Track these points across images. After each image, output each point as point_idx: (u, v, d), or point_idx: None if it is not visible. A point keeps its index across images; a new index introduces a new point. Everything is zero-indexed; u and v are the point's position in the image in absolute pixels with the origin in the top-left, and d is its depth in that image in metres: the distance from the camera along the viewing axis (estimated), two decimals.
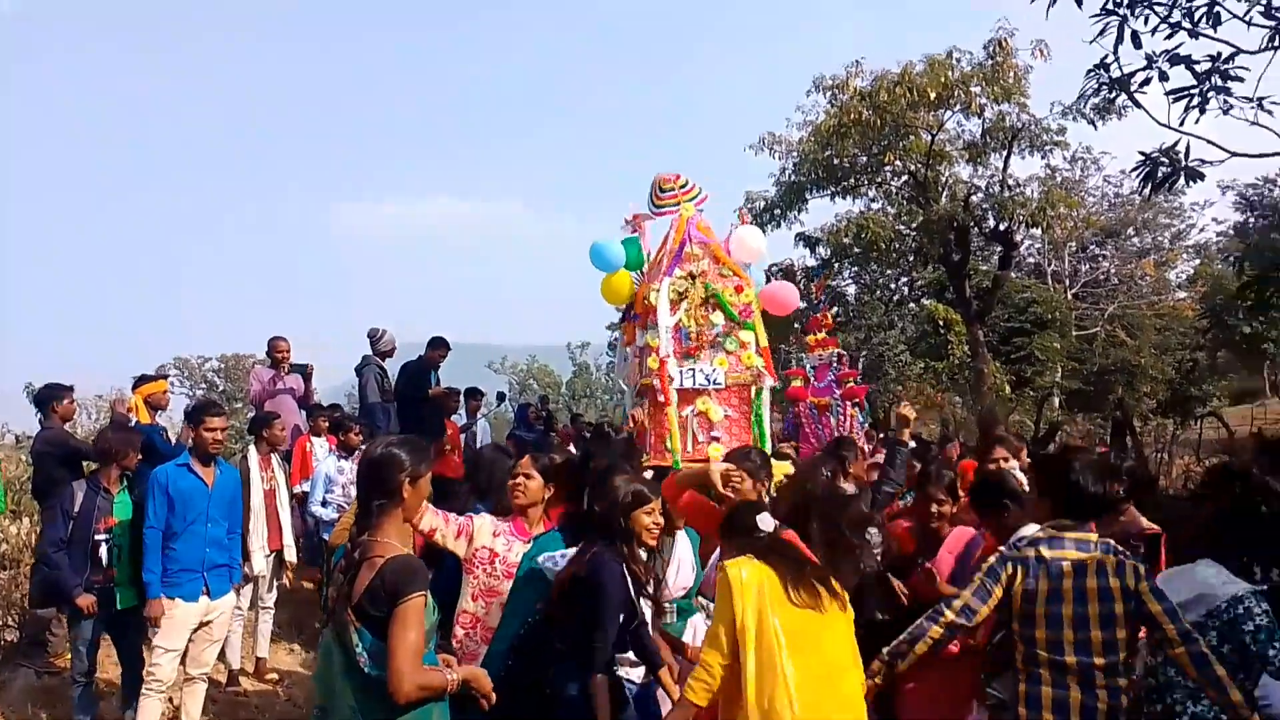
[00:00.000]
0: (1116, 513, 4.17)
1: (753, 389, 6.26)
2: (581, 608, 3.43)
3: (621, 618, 3.45)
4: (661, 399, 5.78)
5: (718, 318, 6.26)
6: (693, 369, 5.99)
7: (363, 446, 7.82)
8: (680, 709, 3.19)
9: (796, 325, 11.18)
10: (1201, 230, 26.48)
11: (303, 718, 6.24)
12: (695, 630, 4.17)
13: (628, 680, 3.77)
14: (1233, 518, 3.65)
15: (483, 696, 2.96)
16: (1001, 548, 3.67)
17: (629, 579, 3.48)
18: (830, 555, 3.49)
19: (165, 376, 8.12)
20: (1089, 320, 21.98)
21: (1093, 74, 8.43)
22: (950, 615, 3.37)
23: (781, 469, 4.94)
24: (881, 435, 8.86)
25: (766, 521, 3.37)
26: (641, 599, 3.56)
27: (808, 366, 7.13)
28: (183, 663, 5.50)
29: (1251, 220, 34.79)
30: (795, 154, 17.45)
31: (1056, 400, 19.68)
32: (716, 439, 5.93)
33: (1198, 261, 24.84)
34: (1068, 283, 23.26)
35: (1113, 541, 3.38)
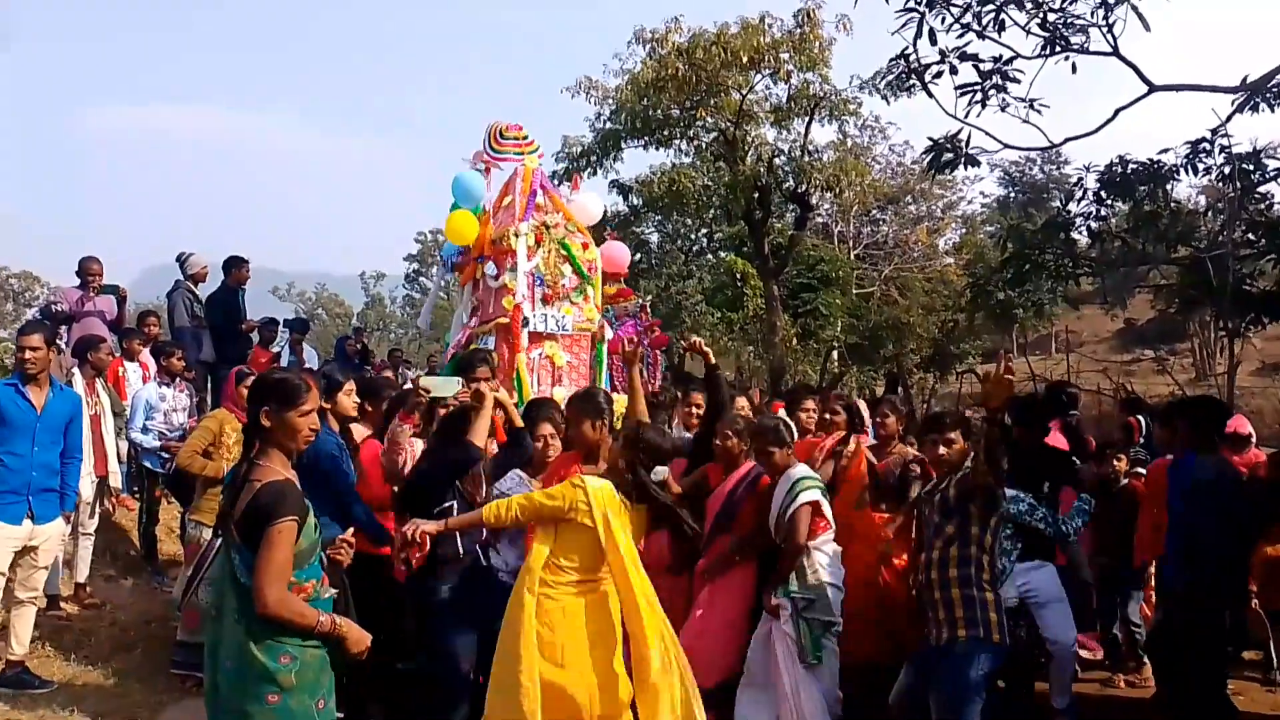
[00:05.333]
0: None
1: (593, 339, 6.76)
2: None
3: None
4: (513, 339, 6.15)
5: (567, 269, 6.69)
6: (545, 314, 6.39)
7: (186, 374, 7.70)
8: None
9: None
10: (969, 202, 29.22)
11: (130, 641, 6.25)
12: None
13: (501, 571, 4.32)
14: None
15: (354, 656, 3.19)
16: None
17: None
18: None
19: None
20: (867, 280, 23.84)
21: (894, 62, 9.39)
22: None
23: (620, 402, 5.56)
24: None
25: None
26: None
27: (611, 316, 7.67)
28: (9, 586, 5.40)
29: (1012, 195, 38.53)
30: (612, 102, 17.87)
31: (835, 353, 21.41)
32: (559, 383, 6.39)
33: (964, 231, 27.44)
34: (851, 244, 25.09)
35: None
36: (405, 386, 6.03)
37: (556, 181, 12.32)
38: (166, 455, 7.14)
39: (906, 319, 21.41)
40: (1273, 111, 9.39)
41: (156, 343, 8.19)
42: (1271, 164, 9.20)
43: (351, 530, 3.73)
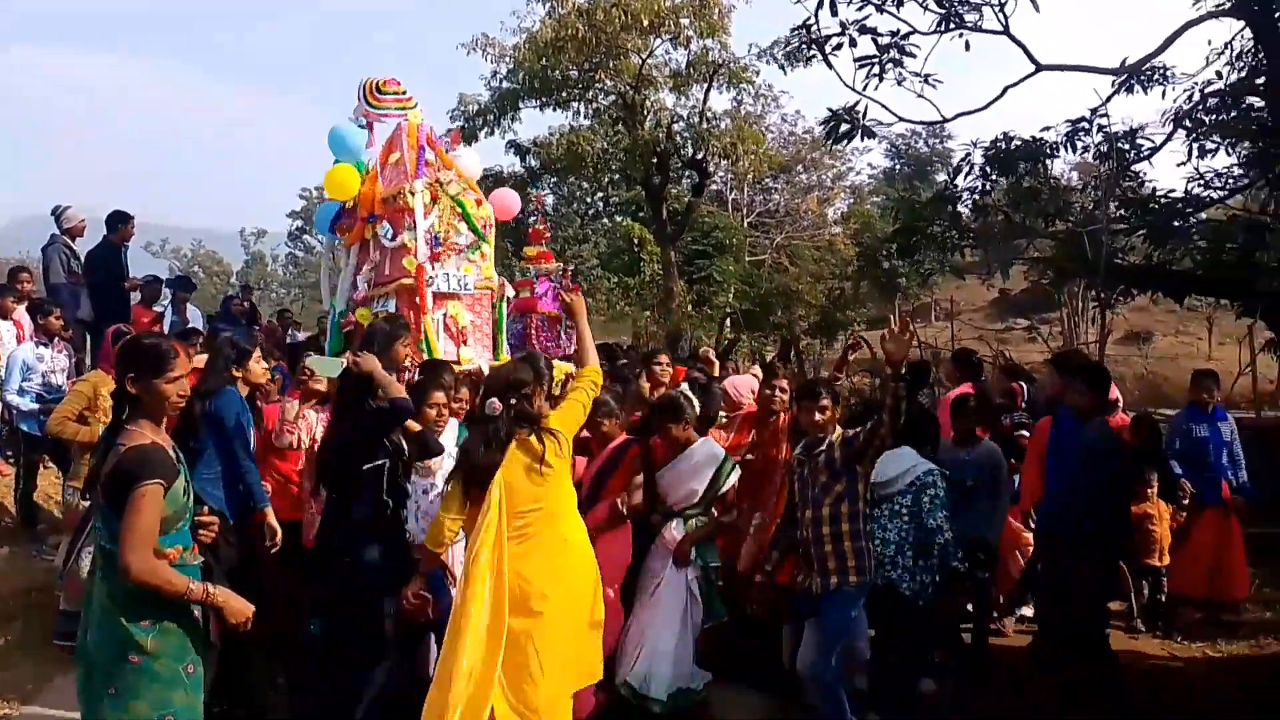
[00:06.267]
0: None
1: (495, 297, 6.66)
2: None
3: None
4: (418, 300, 6.01)
5: (462, 227, 6.53)
6: (445, 273, 6.25)
7: (64, 333, 7.30)
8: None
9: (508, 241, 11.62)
10: (858, 173, 29.97)
11: (10, 612, 5.96)
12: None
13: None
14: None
15: (234, 626, 3.14)
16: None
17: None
18: None
19: None
20: (759, 248, 24.24)
21: (796, 32, 9.52)
22: None
23: (563, 369, 5.56)
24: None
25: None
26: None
27: (533, 277, 7.60)
28: None
29: (898, 167, 39.62)
30: (510, 60, 17.55)
31: (728, 320, 21.75)
32: (463, 341, 6.28)
33: (852, 201, 28.15)
34: (744, 212, 25.45)
35: None
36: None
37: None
38: (46, 418, 6.75)
39: (796, 286, 21.86)
40: (1146, 94, 9.95)
41: (32, 300, 7.71)
42: (1145, 144, 9.74)
43: (207, 509, 3.63)
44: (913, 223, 10.42)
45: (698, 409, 5.14)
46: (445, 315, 6.22)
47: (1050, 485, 5.34)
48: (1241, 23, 9.63)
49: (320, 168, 6.70)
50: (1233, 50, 10.10)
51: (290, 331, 11.99)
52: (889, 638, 4.87)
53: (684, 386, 5.53)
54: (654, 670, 4.63)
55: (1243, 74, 9.85)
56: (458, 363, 5.96)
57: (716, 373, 5.71)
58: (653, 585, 4.85)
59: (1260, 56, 9.48)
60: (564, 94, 17.72)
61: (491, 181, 18.63)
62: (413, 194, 6.17)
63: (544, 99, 17.68)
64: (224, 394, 4.57)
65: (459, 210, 6.48)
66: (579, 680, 3.81)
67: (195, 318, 10.16)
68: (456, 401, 4.88)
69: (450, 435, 4.74)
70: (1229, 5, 9.54)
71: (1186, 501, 6.87)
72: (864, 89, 9.40)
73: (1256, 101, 9.42)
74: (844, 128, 9.66)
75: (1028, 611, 6.92)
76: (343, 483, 4.14)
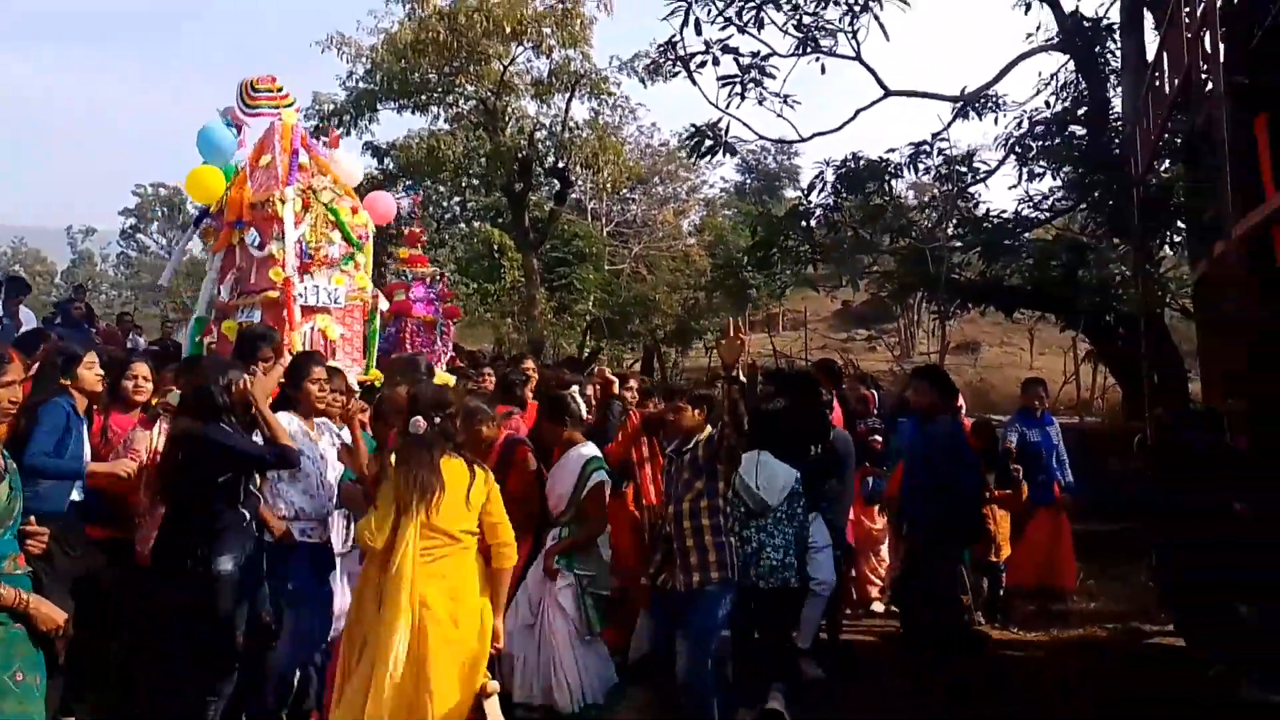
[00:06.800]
0: None
1: (368, 310, 6.52)
2: None
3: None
4: (286, 314, 5.82)
5: (336, 236, 6.36)
6: (315, 286, 6.09)
7: None
8: None
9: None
10: (711, 186, 30.70)
11: None
12: None
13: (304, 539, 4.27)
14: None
15: (52, 631, 3.06)
16: None
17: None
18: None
19: None
20: (619, 257, 24.54)
21: (662, 49, 9.84)
22: None
23: (443, 379, 5.49)
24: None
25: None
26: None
27: (409, 281, 7.51)
28: None
29: (748, 181, 40.82)
30: (367, 60, 17.20)
31: (589, 328, 21.90)
32: (333, 356, 6.13)
33: (705, 213, 28.84)
34: (604, 221, 25.69)
35: None
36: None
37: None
38: None
39: (654, 296, 22.23)
40: (981, 120, 10.77)
41: None
42: (981, 167, 10.53)
43: (34, 519, 3.47)
44: (769, 237, 10.90)
45: (584, 411, 5.22)
46: (314, 329, 6.06)
47: (905, 486, 5.71)
48: (1067, 56, 10.60)
49: (157, 165, 6.41)
50: (1058, 82, 11.11)
51: (132, 336, 11.35)
52: (780, 630, 5.06)
53: (574, 389, 5.58)
54: (552, 685, 4.68)
55: (1067, 104, 10.82)
56: None
57: (616, 391, 5.76)
58: (539, 599, 4.88)
59: (1083, 88, 10.45)
60: (424, 97, 17.48)
61: (366, 186, 18.20)
62: (283, 202, 5.97)
63: (403, 101, 17.39)
64: (49, 404, 4.29)
65: (333, 219, 6.31)
66: (465, 706, 3.76)
67: (29, 320, 9.47)
68: (336, 403, 4.76)
69: (328, 436, 4.66)
70: (1056, 40, 10.48)
71: (1025, 496, 7.37)
72: (726, 106, 9.82)
73: (1079, 130, 10.37)
74: (707, 143, 10.05)
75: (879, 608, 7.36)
76: (189, 494, 4.01)
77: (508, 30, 16.25)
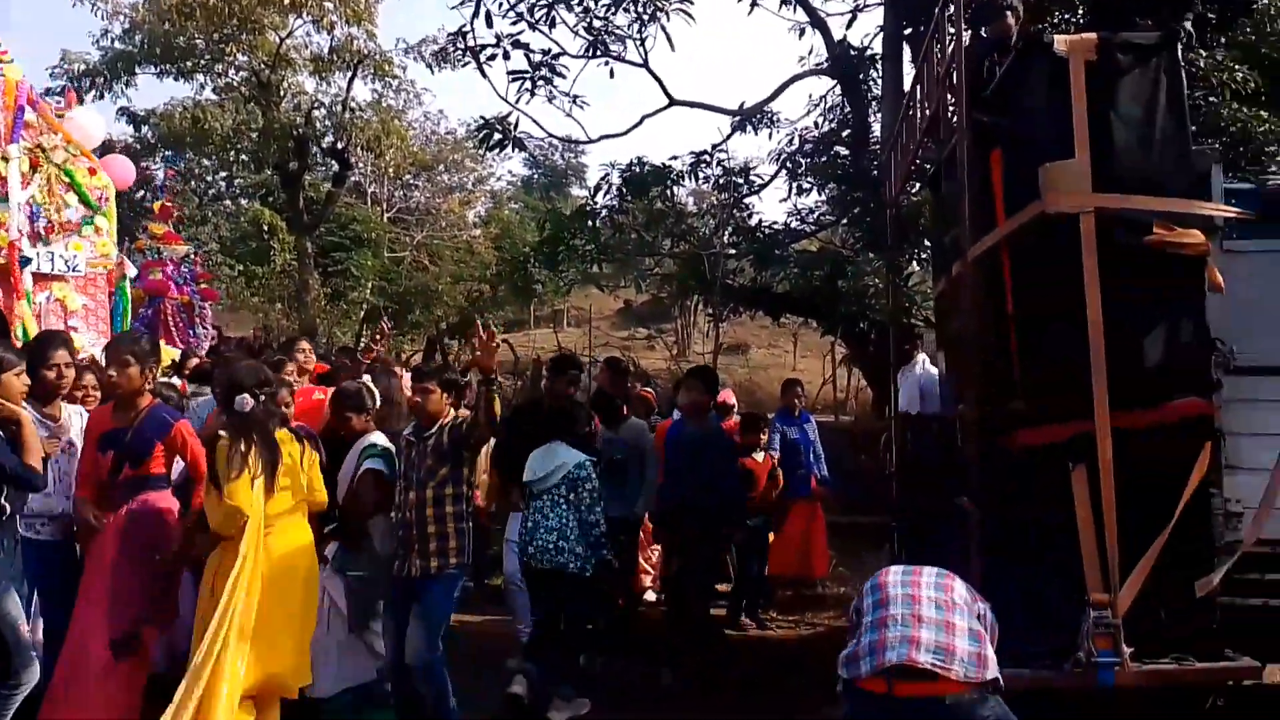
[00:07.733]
0: None
1: (114, 279, 6.06)
2: None
3: None
4: (12, 281, 5.29)
5: (72, 199, 5.89)
6: (50, 252, 5.57)
7: None
8: None
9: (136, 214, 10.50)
10: (498, 179, 30.43)
11: None
12: None
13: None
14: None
15: None
16: None
17: None
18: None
19: None
20: (400, 245, 23.86)
21: (453, 39, 9.66)
22: None
23: (169, 354, 5.14)
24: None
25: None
26: None
27: (166, 259, 7.00)
28: None
29: (535, 176, 40.83)
30: (125, 19, 15.80)
31: (365, 316, 21.16)
32: (75, 329, 5.63)
33: (492, 205, 28.57)
34: (384, 206, 24.89)
35: None
36: None
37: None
38: None
39: (436, 286, 21.82)
40: (757, 134, 11.36)
41: None
42: (756, 179, 11.11)
43: None
44: (557, 234, 10.98)
45: (379, 402, 5.05)
46: (50, 298, 5.54)
47: (667, 480, 5.93)
48: (834, 81, 11.35)
49: None
50: (827, 103, 11.88)
51: None
52: (559, 615, 5.08)
53: (366, 378, 5.39)
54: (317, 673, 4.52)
55: (834, 125, 11.60)
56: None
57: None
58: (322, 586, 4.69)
59: (848, 111, 11.23)
60: (189, 64, 16.28)
61: (100, 150, 16.62)
62: (6, 160, 5.44)
63: (165, 66, 16.12)
64: None
65: (67, 180, 5.81)
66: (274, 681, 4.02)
67: None
68: (80, 389, 4.38)
69: (78, 422, 4.29)
70: (826, 65, 11.20)
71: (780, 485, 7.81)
72: (516, 101, 9.79)
73: (843, 150, 11.14)
74: (496, 137, 9.98)
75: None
76: None
77: (286, 1, 15.43)
